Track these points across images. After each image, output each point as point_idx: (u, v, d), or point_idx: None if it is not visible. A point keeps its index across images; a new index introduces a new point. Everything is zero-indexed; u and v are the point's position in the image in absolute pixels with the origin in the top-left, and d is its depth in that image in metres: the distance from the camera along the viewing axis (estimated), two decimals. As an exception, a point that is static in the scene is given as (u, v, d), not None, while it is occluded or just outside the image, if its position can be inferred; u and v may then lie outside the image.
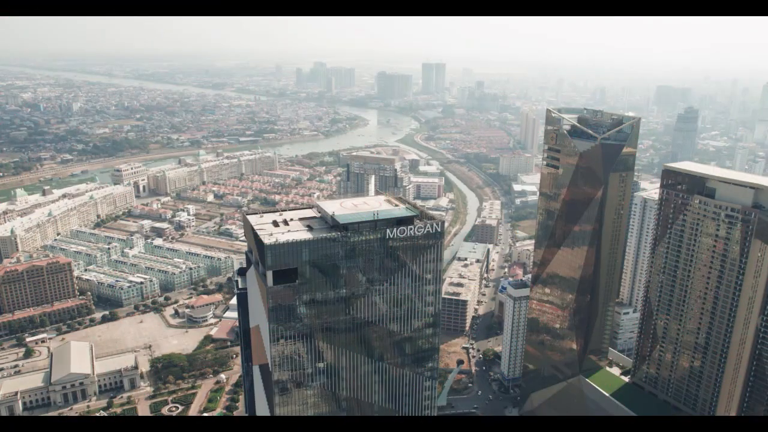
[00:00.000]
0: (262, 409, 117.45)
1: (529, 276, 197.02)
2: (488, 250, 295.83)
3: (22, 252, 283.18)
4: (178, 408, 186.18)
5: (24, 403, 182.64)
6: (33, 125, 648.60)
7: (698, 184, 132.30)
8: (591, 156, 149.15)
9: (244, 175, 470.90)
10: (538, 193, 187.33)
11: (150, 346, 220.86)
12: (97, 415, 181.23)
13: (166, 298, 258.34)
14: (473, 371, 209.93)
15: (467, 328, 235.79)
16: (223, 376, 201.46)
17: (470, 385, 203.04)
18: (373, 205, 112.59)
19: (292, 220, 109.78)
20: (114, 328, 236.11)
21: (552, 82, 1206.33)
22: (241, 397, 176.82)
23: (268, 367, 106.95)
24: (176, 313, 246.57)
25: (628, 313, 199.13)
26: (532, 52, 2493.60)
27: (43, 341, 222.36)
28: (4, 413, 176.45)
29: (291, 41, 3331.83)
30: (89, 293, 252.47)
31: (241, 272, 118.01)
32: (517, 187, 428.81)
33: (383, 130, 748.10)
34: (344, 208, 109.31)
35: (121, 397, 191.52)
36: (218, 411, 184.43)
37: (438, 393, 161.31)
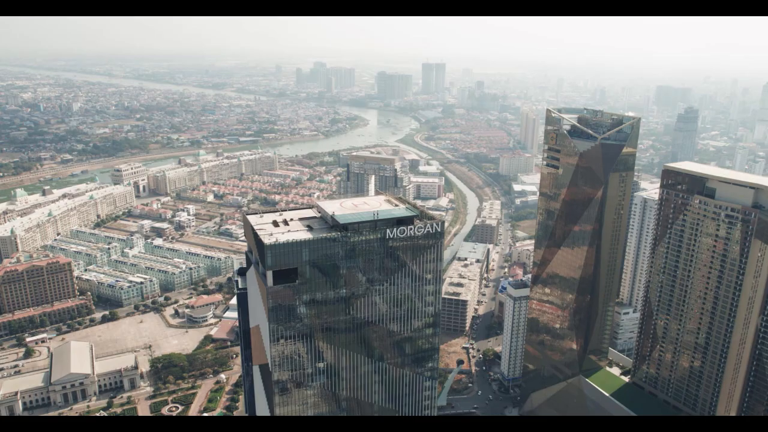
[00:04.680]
0: (262, 409, 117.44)
1: (529, 276, 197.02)
2: (488, 250, 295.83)
3: (22, 252, 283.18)
4: (178, 408, 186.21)
5: (24, 403, 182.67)
6: (33, 125, 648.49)
7: (698, 184, 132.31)
8: (591, 156, 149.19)
9: (244, 175, 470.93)
10: (538, 193, 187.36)
11: (150, 346, 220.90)
12: (97, 415, 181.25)
13: (166, 298, 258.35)
14: (473, 371, 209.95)
15: (467, 328, 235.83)
16: (223, 376, 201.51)
17: (470, 385, 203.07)
18: (373, 205, 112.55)
19: (292, 220, 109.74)
20: (114, 328, 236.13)
21: (552, 82, 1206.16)
22: (241, 397, 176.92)
23: (268, 367, 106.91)
24: (176, 313, 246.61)
25: (628, 313, 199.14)
26: (531, 52, 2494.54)
27: (43, 341, 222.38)
28: (4, 413, 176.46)
29: (291, 41, 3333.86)
30: (89, 293, 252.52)
31: (241, 272, 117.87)
32: (517, 187, 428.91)
33: (383, 130, 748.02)
34: (344, 208, 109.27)
35: (121, 397, 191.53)
36: (218, 411, 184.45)
37: (438, 393, 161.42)
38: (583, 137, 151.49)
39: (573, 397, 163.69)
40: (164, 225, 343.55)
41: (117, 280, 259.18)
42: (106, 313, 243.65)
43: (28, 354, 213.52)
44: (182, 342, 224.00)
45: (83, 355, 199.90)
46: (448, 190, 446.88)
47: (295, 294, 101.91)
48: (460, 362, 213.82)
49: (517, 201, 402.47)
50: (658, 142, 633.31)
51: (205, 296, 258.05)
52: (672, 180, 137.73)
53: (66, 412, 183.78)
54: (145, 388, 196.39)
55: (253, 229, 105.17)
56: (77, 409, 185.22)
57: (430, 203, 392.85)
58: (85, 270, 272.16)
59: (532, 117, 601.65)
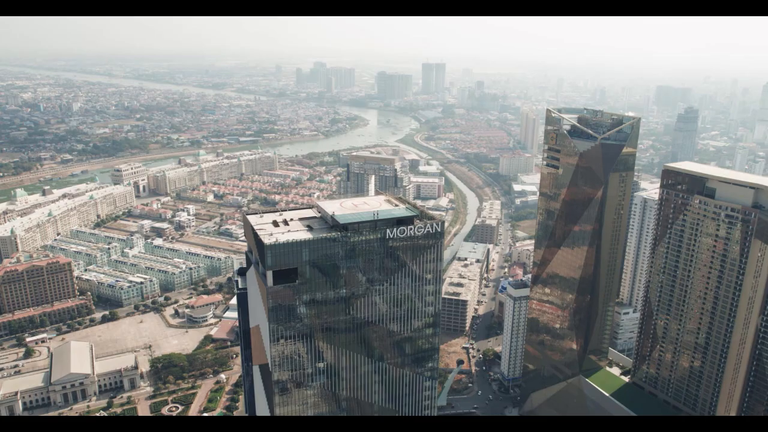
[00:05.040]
0: (262, 409, 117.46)
1: (529, 276, 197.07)
2: (488, 250, 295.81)
3: (22, 252, 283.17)
4: (178, 408, 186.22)
5: (24, 403, 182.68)
6: (33, 125, 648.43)
7: (698, 184, 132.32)
8: (591, 156, 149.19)
9: (244, 175, 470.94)
10: (538, 193, 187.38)
11: (150, 346, 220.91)
12: (97, 415, 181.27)
13: (166, 298, 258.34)
14: (473, 371, 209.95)
15: (467, 328, 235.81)
16: (223, 376, 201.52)
17: (470, 385, 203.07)
18: (373, 205, 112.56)
19: (292, 220, 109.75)
20: (114, 328, 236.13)
21: (552, 82, 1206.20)
22: (241, 397, 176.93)
23: (268, 367, 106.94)
24: (176, 313, 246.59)
25: (628, 313, 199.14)
26: (531, 52, 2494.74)
27: (43, 341, 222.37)
28: (4, 413, 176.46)
29: (291, 41, 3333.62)
30: (89, 293, 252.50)
31: (241, 272, 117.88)
32: (517, 187, 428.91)
33: (383, 130, 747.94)
34: (344, 208, 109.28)
35: (121, 397, 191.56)
36: (218, 411, 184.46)
37: (438, 393, 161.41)
38: (583, 137, 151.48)
39: (573, 397, 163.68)
40: (164, 225, 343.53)
41: (117, 280, 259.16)
42: (106, 313, 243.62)
43: (28, 354, 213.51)
44: (182, 342, 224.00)
45: (83, 355, 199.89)
46: (448, 190, 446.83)
47: (295, 294, 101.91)
48: (460, 362, 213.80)
49: (517, 201, 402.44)
50: (658, 142, 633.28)
51: (205, 296, 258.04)
52: (672, 180, 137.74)
53: (66, 412, 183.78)
54: (145, 388, 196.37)
55: (253, 229, 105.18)
56: (77, 409, 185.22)
57: (430, 203, 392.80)
58: (85, 270, 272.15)
59: (532, 117, 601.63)
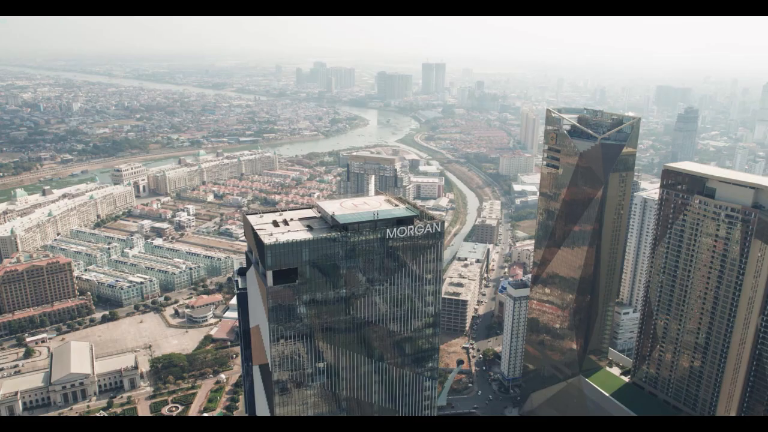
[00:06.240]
0: (262, 409, 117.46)
1: (529, 276, 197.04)
2: (488, 250, 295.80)
3: (22, 252, 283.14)
4: (178, 408, 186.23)
5: (24, 403, 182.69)
6: (33, 125, 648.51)
7: (698, 184, 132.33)
8: (591, 156, 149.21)
9: (244, 175, 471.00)
10: (538, 193, 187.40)
11: (150, 346, 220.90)
12: (97, 415, 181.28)
13: (166, 298, 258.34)
14: (473, 371, 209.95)
15: (467, 328, 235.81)
16: (223, 376, 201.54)
17: (470, 385, 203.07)
18: (373, 205, 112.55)
19: (292, 220, 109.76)
20: (114, 328, 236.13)
21: (552, 82, 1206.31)
22: (241, 397, 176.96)
23: (268, 367, 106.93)
24: (176, 313, 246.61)
25: (628, 313, 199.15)
26: (531, 52, 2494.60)
27: (43, 341, 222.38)
28: (4, 413, 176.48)
29: (291, 41, 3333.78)
30: (89, 293, 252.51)
31: (241, 272, 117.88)
32: (517, 187, 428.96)
33: (383, 130, 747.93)
34: (344, 208, 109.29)
35: (121, 397, 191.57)
36: (218, 411, 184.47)
37: (438, 393, 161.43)
38: (583, 137, 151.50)
39: (573, 397, 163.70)
40: (164, 225, 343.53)
41: (117, 280, 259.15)
42: (106, 313, 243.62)
43: (28, 354, 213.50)
44: (182, 342, 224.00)
45: (83, 355, 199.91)
46: (448, 190, 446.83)
47: (295, 294, 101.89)
48: (460, 362, 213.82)
49: (517, 201, 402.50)
50: (658, 142, 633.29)
51: (205, 296, 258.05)
52: (672, 180, 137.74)
53: (66, 412, 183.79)
54: (145, 388, 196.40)
55: (253, 229, 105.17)
56: (77, 409, 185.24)
57: (430, 203, 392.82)
58: (85, 270, 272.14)
59: (532, 117, 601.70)
